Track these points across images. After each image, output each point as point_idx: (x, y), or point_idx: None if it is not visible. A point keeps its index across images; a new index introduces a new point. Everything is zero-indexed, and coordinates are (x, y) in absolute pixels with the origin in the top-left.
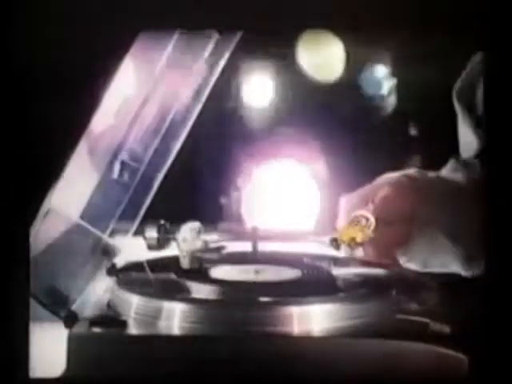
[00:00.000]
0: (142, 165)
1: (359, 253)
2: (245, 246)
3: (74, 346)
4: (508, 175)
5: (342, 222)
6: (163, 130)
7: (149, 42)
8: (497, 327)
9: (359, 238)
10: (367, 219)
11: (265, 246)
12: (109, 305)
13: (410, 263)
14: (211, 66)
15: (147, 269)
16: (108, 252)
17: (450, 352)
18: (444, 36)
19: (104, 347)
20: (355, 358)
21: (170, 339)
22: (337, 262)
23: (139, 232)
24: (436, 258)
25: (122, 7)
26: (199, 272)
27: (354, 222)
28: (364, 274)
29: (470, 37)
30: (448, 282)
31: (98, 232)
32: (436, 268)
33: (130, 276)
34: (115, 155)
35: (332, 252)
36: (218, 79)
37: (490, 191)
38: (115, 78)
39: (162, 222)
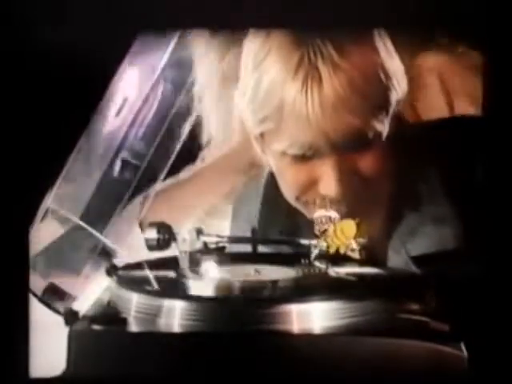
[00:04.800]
0: (143, 163)
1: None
2: (245, 247)
3: (75, 344)
4: None
5: None
6: (164, 129)
7: (149, 42)
8: (496, 325)
9: (342, 248)
10: (329, 218)
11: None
12: (109, 303)
13: None
14: (212, 66)
15: (147, 268)
16: (107, 252)
17: (450, 350)
18: None
19: (104, 344)
20: (355, 355)
21: (169, 337)
22: (336, 261)
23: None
24: None
25: (123, 8)
26: (199, 272)
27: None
28: (363, 274)
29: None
30: (448, 281)
31: (97, 232)
32: None
33: (130, 275)
34: (116, 153)
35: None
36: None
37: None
38: (116, 78)
39: (162, 222)
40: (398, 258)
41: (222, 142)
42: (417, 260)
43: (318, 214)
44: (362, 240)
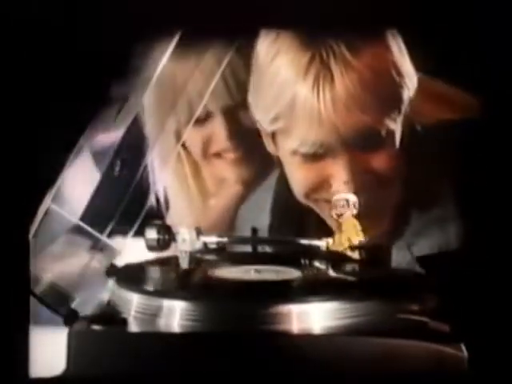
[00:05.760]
0: (143, 162)
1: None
2: (244, 247)
3: (74, 344)
4: None
5: None
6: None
7: (150, 42)
8: (496, 326)
9: (353, 237)
10: (347, 201)
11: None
12: (109, 303)
13: None
14: (212, 66)
15: (147, 268)
16: (107, 252)
17: (450, 350)
18: None
19: (104, 344)
20: (355, 355)
21: (169, 337)
22: (336, 261)
23: (139, 233)
24: None
25: (125, 9)
26: (198, 272)
27: (340, 219)
28: (363, 274)
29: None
30: (448, 281)
31: (96, 233)
32: None
33: (130, 275)
34: (116, 153)
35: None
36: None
37: None
38: (116, 78)
39: (162, 222)
40: (402, 258)
41: None
42: (421, 260)
43: (337, 197)
44: (361, 240)
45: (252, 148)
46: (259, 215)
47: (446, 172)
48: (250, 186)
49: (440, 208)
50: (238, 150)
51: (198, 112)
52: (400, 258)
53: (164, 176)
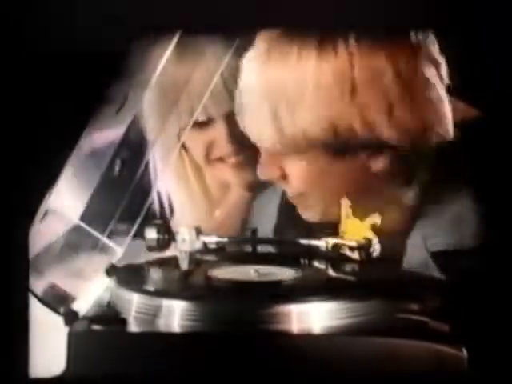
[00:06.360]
0: (143, 162)
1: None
2: (244, 247)
3: (75, 344)
4: None
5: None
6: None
7: (150, 42)
8: (496, 326)
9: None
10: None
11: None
12: (109, 303)
13: None
14: (212, 67)
15: (147, 268)
16: (106, 252)
17: (450, 350)
18: None
19: (104, 345)
20: (355, 355)
21: (169, 337)
22: (336, 261)
23: (139, 233)
24: None
25: (124, 9)
26: (198, 272)
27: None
28: (363, 274)
29: None
30: (448, 281)
31: (96, 233)
32: None
33: (130, 275)
34: (116, 153)
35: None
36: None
37: None
38: (116, 77)
39: (162, 222)
40: (417, 255)
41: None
42: (437, 255)
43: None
44: (361, 240)
45: (255, 152)
46: (265, 216)
47: (462, 169)
48: (254, 190)
49: (456, 207)
50: (240, 154)
51: (198, 111)
52: (415, 255)
53: (165, 177)
